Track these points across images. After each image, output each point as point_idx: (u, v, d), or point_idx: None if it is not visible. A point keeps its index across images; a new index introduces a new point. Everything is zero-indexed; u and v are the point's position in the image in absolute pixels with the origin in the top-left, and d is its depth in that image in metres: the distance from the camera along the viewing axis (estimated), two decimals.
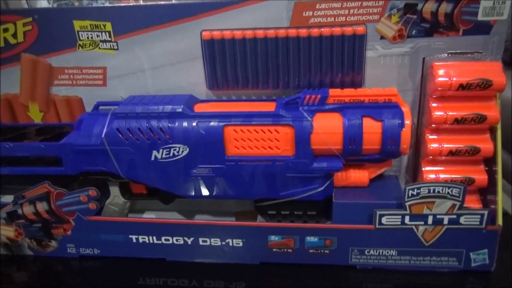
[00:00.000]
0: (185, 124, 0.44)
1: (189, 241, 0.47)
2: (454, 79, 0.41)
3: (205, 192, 0.46)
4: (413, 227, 0.43)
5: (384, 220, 0.43)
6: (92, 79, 0.48)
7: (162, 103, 0.44)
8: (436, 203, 0.42)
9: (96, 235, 0.48)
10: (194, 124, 0.43)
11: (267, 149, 0.44)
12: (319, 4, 0.42)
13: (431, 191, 0.42)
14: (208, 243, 0.47)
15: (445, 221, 0.43)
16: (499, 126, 0.43)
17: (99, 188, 0.46)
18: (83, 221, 0.47)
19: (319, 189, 0.45)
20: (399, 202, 0.43)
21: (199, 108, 0.45)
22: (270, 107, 0.44)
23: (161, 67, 0.46)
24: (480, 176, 0.45)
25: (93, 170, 0.46)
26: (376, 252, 0.45)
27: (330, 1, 0.42)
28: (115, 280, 0.48)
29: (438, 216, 0.42)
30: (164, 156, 0.44)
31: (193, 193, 0.46)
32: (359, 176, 0.45)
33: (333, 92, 0.43)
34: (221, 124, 0.43)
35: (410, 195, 0.42)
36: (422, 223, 0.43)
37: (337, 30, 0.42)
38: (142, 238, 0.47)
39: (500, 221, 0.43)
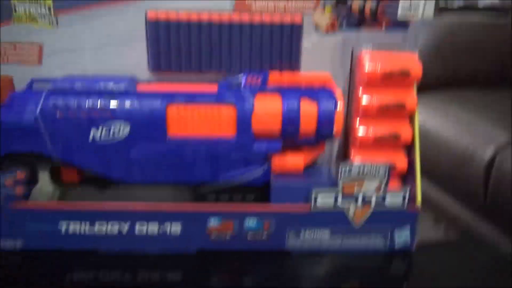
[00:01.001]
0: (127, 102, 0.43)
1: (125, 229, 0.45)
2: (379, 68, 0.46)
3: (145, 175, 0.45)
4: (345, 206, 0.46)
5: (319, 200, 0.45)
6: (26, 56, 0.45)
7: (103, 81, 0.44)
8: (365, 183, 0.45)
9: (20, 224, 0.45)
10: (136, 102, 0.43)
11: (210, 130, 0.44)
12: None
13: (361, 170, 0.45)
14: (144, 230, 0.45)
15: (373, 201, 0.46)
16: (417, 114, 0.49)
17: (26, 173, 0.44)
18: (5, 208, 0.44)
19: (258, 172, 0.46)
20: (332, 183, 0.45)
21: (141, 88, 0.45)
22: (212, 88, 0.45)
23: (102, 47, 0.46)
24: (401, 161, 0.49)
25: (22, 151, 0.43)
26: (311, 234, 0.47)
27: None
28: (39, 275, 0.44)
29: (366, 196, 0.46)
30: (103, 136, 0.43)
31: (132, 177, 0.45)
32: (295, 160, 0.47)
33: (272, 75, 0.45)
34: (164, 102, 0.43)
35: (343, 173, 0.45)
36: (353, 202, 0.46)
37: (276, 19, 0.45)
38: (73, 226, 0.45)
39: (419, 201, 0.47)
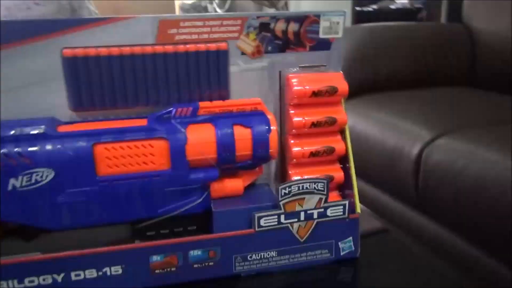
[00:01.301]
0: (48, 146, 0.40)
1: (59, 279, 0.42)
2: (307, 87, 0.47)
3: (76, 220, 0.42)
4: (289, 225, 0.46)
5: (262, 222, 0.45)
6: None
7: (18, 125, 0.40)
8: (306, 199, 0.46)
9: None
10: (59, 145, 0.40)
11: (142, 165, 0.43)
12: (183, 22, 0.44)
13: (300, 188, 0.45)
14: (82, 276, 0.43)
15: (315, 215, 0.47)
16: (347, 128, 0.50)
17: None
18: None
19: (198, 201, 0.45)
20: (274, 204, 0.45)
21: (63, 129, 0.42)
22: (141, 122, 0.44)
23: (15, 89, 0.42)
24: (337, 173, 0.50)
25: None
26: (258, 256, 0.46)
27: (192, 20, 0.44)
28: None
29: (308, 212, 0.46)
30: (24, 183, 0.40)
31: (62, 224, 0.42)
32: (234, 184, 0.47)
33: (203, 104, 0.44)
34: (90, 142, 0.41)
35: (283, 194, 0.45)
36: (296, 220, 0.46)
37: (201, 46, 0.45)
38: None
39: (358, 209, 0.48)
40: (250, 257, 0.46)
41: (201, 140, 0.43)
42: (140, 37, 0.44)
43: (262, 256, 0.47)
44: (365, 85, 1.34)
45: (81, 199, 0.42)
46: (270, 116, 0.46)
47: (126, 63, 0.43)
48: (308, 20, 0.47)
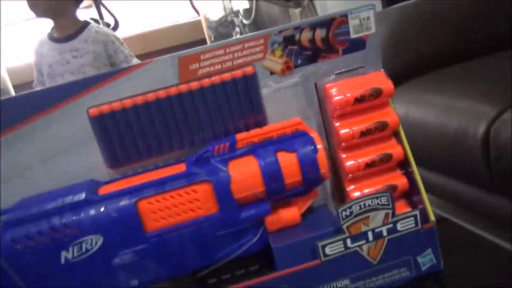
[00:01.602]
0: (92, 211, 0.39)
1: None
2: (348, 95, 0.43)
3: (133, 281, 0.41)
4: (357, 248, 0.42)
5: (327, 250, 0.41)
6: None
7: (60, 196, 0.39)
8: (371, 217, 0.41)
9: None
10: (102, 208, 0.39)
11: (190, 213, 0.40)
12: (203, 55, 0.42)
13: (362, 206, 0.41)
14: None
15: (384, 233, 0.42)
16: (401, 129, 0.45)
17: None
18: None
19: (254, 240, 0.42)
20: (337, 228, 0.41)
21: (104, 190, 0.41)
22: (180, 168, 0.41)
23: (51, 158, 0.42)
24: (400, 180, 0.46)
25: None
26: (330, 287, 0.42)
27: (212, 50, 0.42)
28: None
29: (376, 230, 0.42)
30: (76, 254, 0.39)
31: (118, 285, 0.41)
32: (290, 214, 0.44)
33: (240, 136, 0.41)
34: (132, 200, 0.39)
35: (344, 216, 0.41)
36: (364, 241, 0.42)
37: (227, 76, 0.42)
38: None
39: (432, 217, 0.43)
40: None
41: (245, 175, 0.40)
42: (163, 80, 0.42)
43: (335, 287, 0.42)
44: (408, 69, 1.26)
45: (135, 259, 0.40)
46: (314, 134, 0.42)
47: (153, 109, 0.41)
48: (335, 23, 0.43)
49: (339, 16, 0.43)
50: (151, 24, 2.42)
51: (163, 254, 0.40)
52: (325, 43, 0.44)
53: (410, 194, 0.46)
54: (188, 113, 0.42)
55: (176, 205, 0.40)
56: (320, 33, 0.43)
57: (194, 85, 0.42)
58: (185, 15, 2.45)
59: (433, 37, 1.32)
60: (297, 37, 0.43)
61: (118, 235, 0.39)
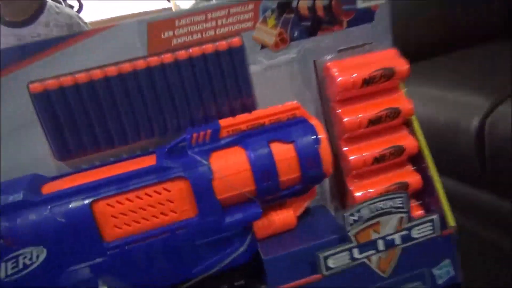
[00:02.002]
0: (32, 216, 0.30)
1: None
2: (354, 75, 0.36)
3: None
4: (365, 260, 0.35)
5: (330, 262, 0.34)
6: None
7: None
8: (382, 223, 0.34)
9: None
10: (45, 212, 0.30)
11: (161, 217, 0.32)
12: (178, 21, 0.33)
13: (373, 210, 0.34)
14: None
15: (397, 241, 0.35)
16: (414, 118, 0.38)
17: None
18: None
19: (240, 250, 0.34)
20: (341, 235, 0.34)
21: (49, 188, 0.32)
22: (149, 161, 0.33)
23: None
24: (412, 177, 0.39)
25: None
26: None
27: (191, 15, 0.33)
28: None
29: (388, 238, 0.35)
30: (11, 271, 0.30)
31: None
32: (283, 217, 0.36)
33: (224, 122, 0.33)
34: (86, 201, 0.31)
35: (351, 222, 0.34)
36: (374, 251, 0.35)
37: (208, 47, 0.34)
38: None
39: (452, 221, 0.37)
40: None
41: (231, 170, 0.32)
42: (127, 50, 0.33)
43: None
44: None
45: (90, 276, 0.31)
46: (315, 122, 0.35)
47: (115, 86, 0.33)
48: None
49: None
50: (118, 10, 2.29)
51: (125, 269, 0.32)
52: (327, 12, 0.36)
53: (423, 194, 0.39)
54: (160, 93, 0.34)
55: (143, 207, 0.32)
56: (322, 0, 0.36)
57: (167, 57, 0.33)
58: (155, 3, 2.33)
59: (418, 27, 1.27)
60: (294, 3, 0.35)
61: (68, 247, 0.31)
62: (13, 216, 0.30)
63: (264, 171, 0.33)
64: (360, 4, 0.37)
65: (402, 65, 0.37)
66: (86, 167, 0.35)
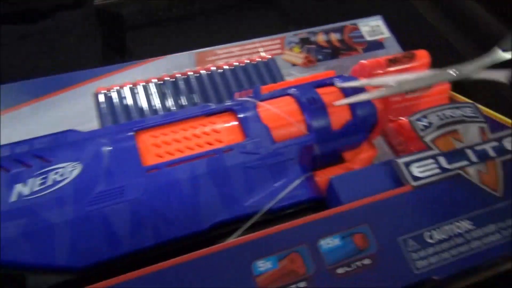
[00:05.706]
0: (77, 136, 0.29)
1: None
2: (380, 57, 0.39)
3: (116, 241, 0.25)
4: (461, 171, 0.27)
5: (415, 171, 0.27)
6: None
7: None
8: (461, 131, 0.29)
9: None
10: (90, 135, 0.29)
11: (206, 146, 0.29)
12: (220, 50, 0.41)
13: (442, 117, 0.30)
14: None
15: (491, 152, 0.28)
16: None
17: None
18: None
19: (301, 178, 0.28)
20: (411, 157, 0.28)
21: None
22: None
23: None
24: None
25: None
26: (445, 232, 0.25)
27: (229, 48, 0.41)
28: None
29: (477, 148, 0.28)
30: (37, 187, 0.26)
31: (100, 255, 0.24)
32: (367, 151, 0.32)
33: (265, 87, 0.35)
34: (131, 132, 0.29)
35: (422, 127, 0.29)
36: (467, 162, 0.28)
37: (244, 61, 0.40)
38: None
39: None
40: (431, 236, 0.25)
41: (277, 103, 0.32)
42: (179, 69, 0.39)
43: (452, 230, 0.25)
44: None
45: (123, 201, 0.26)
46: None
47: (169, 86, 0.37)
48: (346, 29, 0.45)
49: (349, 24, 0.45)
50: None
51: (164, 195, 0.26)
52: (342, 43, 0.43)
53: None
54: (207, 89, 0.37)
55: (188, 137, 0.29)
56: (335, 36, 0.44)
57: (213, 68, 0.39)
58: None
59: None
60: (312, 38, 0.43)
61: (105, 168, 0.27)
62: (56, 143, 0.28)
63: (311, 99, 0.31)
64: (368, 38, 0.44)
65: (421, 52, 0.39)
66: None
